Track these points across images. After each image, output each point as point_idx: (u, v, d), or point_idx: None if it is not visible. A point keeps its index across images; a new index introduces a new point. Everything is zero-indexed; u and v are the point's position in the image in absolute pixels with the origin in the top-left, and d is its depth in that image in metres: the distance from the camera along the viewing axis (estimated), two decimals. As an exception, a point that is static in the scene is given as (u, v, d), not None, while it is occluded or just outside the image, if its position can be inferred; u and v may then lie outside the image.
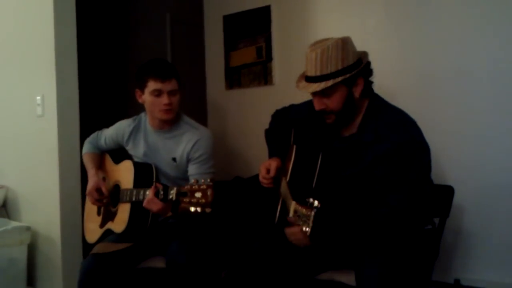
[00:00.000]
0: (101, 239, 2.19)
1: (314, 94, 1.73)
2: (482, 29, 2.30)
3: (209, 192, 1.67)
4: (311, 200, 1.43)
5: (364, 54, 1.76)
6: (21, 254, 2.62)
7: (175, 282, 1.94)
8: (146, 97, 2.12)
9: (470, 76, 2.33)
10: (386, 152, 1.63)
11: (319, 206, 1.41)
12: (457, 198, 2.04)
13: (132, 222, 2.04)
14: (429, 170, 1.68)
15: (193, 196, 1.69)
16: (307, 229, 1.42)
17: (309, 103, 2.02)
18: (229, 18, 3.29)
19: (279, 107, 2.22)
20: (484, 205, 2.29)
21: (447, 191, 2.04)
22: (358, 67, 1.69)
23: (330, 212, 1.50)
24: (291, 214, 1.51)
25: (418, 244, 1.76)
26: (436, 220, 2.00)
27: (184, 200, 1.71)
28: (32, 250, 2.70)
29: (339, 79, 1.65)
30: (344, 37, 1.69)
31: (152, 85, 2.07)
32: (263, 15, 3.09)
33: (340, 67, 1.65)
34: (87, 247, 2.31)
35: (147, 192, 1.93)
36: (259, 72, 3.13)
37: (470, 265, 2.33)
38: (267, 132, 2.17)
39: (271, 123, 2.19)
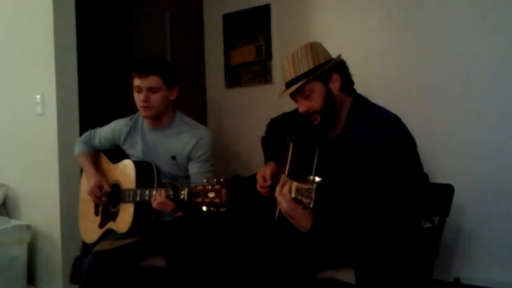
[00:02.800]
0: (100, 239, 2.18)
1: (294, 96, 1.78)
2: (483, 28, 2.30)
3: (223, 192, 1.68)
4: (311, 177, 1.45)
5: (337, 56, 1.81)
6: (21, 252, 2.63)
7: (175, 282, 1.94)
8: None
9: (471, 75, 2.33)
10: (362, 152, 1.64)
11: (320, 181, 1.43)
12: (457, 197, 2.04)
13: (136, 222, 2.03)
14: (410, 167, 1.67)
15: (206, 196, 1.69)
16: (310, 202, 1.43)
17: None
18: (228, 16, 3.29)
19: (279, 106, 2.21)
20: (484, 204, 2.29)
21: (447, 190, 2.04)
22: (330, 63, 1.75)
23: (330, 187, 1.52)
24: (293, 194, 1.51)
25: (418, 242, 1.77)
26: (436, 218, 2.00)
27: (197, 200, 1.71)
28: (32, 249, 2.70)
29: (312, 76, 1.70)
30: (313, 41, 1.79)
31: (134, 81, 2.07)
32: (262, 14, 3.09)
33: (312, 66, 1.72)
34: (86, 245, 2.30)
35: (154, 192, 1.92)
36: (259, 71, 3.13)
37: (470, 263, 2.33)
38: (263, 140, 2.18)
39: (266, 132, 2.20)
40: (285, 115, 2.16)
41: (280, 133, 2.09)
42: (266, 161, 2.06)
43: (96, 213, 2.26)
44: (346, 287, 1.74)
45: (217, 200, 1.68)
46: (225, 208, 1.69)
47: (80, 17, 2.62)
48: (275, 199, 1.87)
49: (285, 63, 1.77)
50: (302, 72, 1.72)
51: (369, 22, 2.64)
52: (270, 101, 3.00)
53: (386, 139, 1.62)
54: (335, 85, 1.75)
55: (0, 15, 2.93)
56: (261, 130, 2.23)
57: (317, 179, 1.44)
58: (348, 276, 1.74)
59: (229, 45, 3.29)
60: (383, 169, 1.60)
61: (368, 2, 2.64)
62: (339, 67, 1.78)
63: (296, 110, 2.08)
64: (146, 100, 2.05)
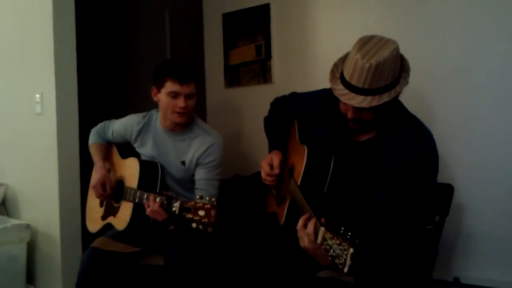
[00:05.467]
0: (101, 231, 2.20)
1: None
2: (484, 27, 2.30)
3: (212, 213, 1.68)
4: (342, 229, 1.29)
5: (405, 61, 1.61)
6: (20, 251, 2.63)
7: (173, 281, 1.94)
8: (161, 97, 2.10)
9: (472, 74, 2.33)
10: (397, 166, 1.55)
11: (356, 240, 1.26)
12: (456, 197, 2.04)
13: (134, 222, 2.04)
14: (433, 186, 1.64)
15: (196, 214, 1.69)
16: (343, 265, 1.25)
17: (315, 96, 1.92)
18: (228, 16, 3.29)
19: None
20: (484, 204, 2.29)
21: (447, 190, 2.04)
22: (400, 78, 1.55)
23: (364, 249, 1.36)
24: (318, 241, 1.39)
25: (418, 242, 1.76)
26: (436, 218, 2.00)
27: (187, 216, 1.71)
28: (31, 248, 2.70)
29: (385, 97, 1.50)
30: (397, 45, 1.54)
31: (170, 86, 2.05)
32: (262, 13, 3.09)
33: (388, 82, 1.50)
34: (86, 244, 2.31)
35: (150, 198, 1.91)
36: (258, 70, 3.12)
37: (469, 263, 2.33)
38: (267, 121, 2.13)
39: (270, 111, 2.15)
40: (296, 97, 2.05)
41: (286, 115, 2.04)
42: (270, 144, 2.01)
43: (101, 204, 2.28)
44: (346, 286, 1.74)
45: (206, 220, 1.68)
46: (212, 229, 1.69)
47: (80, 16, 2.62)
48: (280, 196, 1.87)
49: (365, 66, 1.46)
50: (378, 86, 1.49)
51: (369, 22, 2.63)
52: (270, 100, 2.99)
53: (424, 158, 1.54)
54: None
55: (-1, 14, 2.93)
56: (260, 130, 2.22)
57: (349, 235, 1.26)
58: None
59: (229, 44, 3.28)
60: (414, 187, 1.53)
61: (369, 2, 2.64)
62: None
63: (309, 95, 1.97)
64: (186, 107, 2.06)
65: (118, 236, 2.11)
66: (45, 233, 2.64)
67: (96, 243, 2.09)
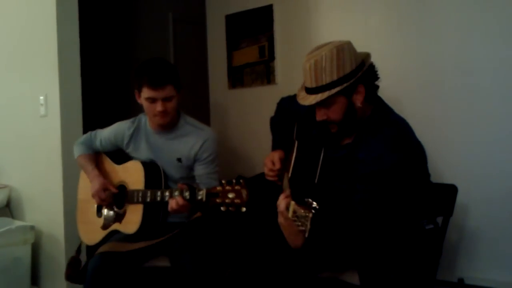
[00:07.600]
0: (104, 240, 2.17)
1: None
2: (487, 28, 2.29)
3: (244, 193, 1.70)
4: (309, 200, 1.39)
5: (366, 57, 1.68)
6: (25, 253, 2.64)
7: (179, 282, 1.95)
8: (142, 101, 2.11)
9: (475, 75, 2.32)
10: (367, 174, 1.57)
11: (317, 207, 1.36)
12: (460, 197, 2.03)
13: (146, 223, 2.04)
14: (415, 182, 1.63)
15: (226, 197, 1.71)
16: (305, 230, 1.37)
17: None
18: (231, 17, 3.29)
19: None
20: (488, 204, 2.28)
21: (451, 190, 2.03)
22: (356, 74, 1.60)
23: (326, 214, 1.45)
24: (290, 214, 1.45)
25: (421, 244, 1.76)
26: (440, 219, 1.99)
27: (216, 200, 1.72)
28: (36, 249, 2.71)
29: (335, 90, 1.57)
30: (340, 44, 1.61)
31: (146, 92, 2.03)
32: (265, 14, 3.09)
33: (335, 77, 1.58)
34: (90, 246, 2.31)
35: (166, 193, 1.92)
36: (262, 72, 3.13)
37: (474, 264, 2.32)
38: (272, 120, 2.16)
39: (276, 111, 2.18)
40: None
41: (289, 116, 2.06)
42: (273, 143, 2.04)
43: (99, 215, 2.25)
44: (349, 287, 1.74)
45: (238, 201, 1.70)
46: (245, 208, 1.71)
47: (83, 18, 2.63)
48: (278, 194, 1.87)
49: (306, 67, 1.61)
50: (324, 82, 1.58)
51: (371, 22, 2.63)
52: (273, 101, 2.98)
53: (392, 167, 1.55)
54: (358, 97, 1.62)
55: (3, 16, 2.94)
56: (264, 131, 2.22)
57: (315, 204, 1.37)
58: (351, 276, 1.74)
59: (232, 45, 3.29)
60: (385, 194, 1.55)
61: (371, 2, 2.64)
62: (366, 76, 1.64)
63: None
64: (164, 110, 2.06)
65: (125, 238, 2.10)
66: (49, 235, 2.65)
67: (103, 248, 2.07)
